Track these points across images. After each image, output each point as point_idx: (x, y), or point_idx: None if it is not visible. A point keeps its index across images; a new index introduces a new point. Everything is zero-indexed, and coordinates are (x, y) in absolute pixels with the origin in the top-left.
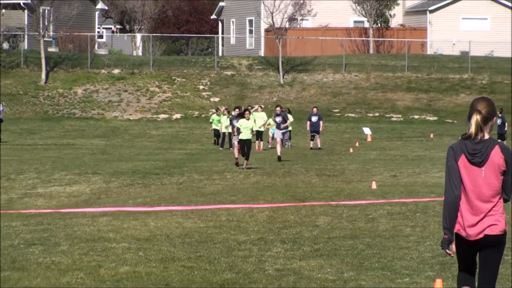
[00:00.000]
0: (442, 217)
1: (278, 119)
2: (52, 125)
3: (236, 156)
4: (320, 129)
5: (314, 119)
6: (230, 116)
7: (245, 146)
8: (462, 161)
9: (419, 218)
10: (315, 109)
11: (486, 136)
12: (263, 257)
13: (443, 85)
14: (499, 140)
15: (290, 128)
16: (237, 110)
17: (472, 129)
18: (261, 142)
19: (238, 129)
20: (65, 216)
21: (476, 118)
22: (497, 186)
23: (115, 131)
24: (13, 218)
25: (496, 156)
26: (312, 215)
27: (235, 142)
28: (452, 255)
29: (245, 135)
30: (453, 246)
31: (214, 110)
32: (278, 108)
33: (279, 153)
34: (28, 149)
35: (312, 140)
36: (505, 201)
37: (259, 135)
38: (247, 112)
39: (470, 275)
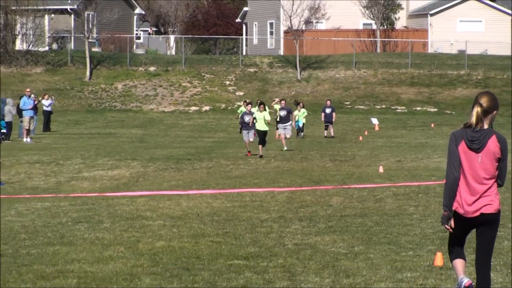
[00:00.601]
0: (443, 195)
1: (283, 112)
2: (96, 116)
3: (248, 150)
4: (333, 119)
5: (328, 110)
6: (242, 112)
7: (261, 135)
8: (462, 147)
9: (421, 198)
10: (328, 102)
11: (485, 126)
12: (283, 233)
13: (443, 80)
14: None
15: (303, 121)
16: (261, 106)
17: (473, 119)
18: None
19: (254, 118)
20: (108, 197)
21: (477, 110)
22: (491, 170)
23: (151, 121)
24: (61, 199)
25: (493, 144)
26: (326, 195)
27: (245, 139)
28: (451, 230)
29: (260, 126)
30: (452, 222)
31: (241, 103)
32: (283, 102)
33: (285, 147)
34: (74, 137)
35: (326, 129)
36: (499, 185)
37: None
38: (261, 106)
39: (461, 248)
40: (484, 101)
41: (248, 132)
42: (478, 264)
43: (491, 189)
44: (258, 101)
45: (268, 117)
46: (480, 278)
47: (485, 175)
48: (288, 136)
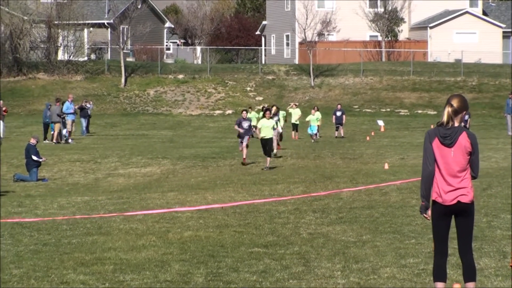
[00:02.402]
0: (420, 188)
1: (276, 118)
2: (130, 119)
3: (244, 157)
4: (343, 121)
5: (338, 113)
6: (238, 119)
7: (266, 145)
8: (436, 143)
9: None
10: (339, 106)
11: (456, 124)
12: (298, 223)
13: (441, 86)
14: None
15: (318, 123)
16: (268, 112)
17: (445, 118)
18: (297, 133)
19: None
20: (141, 191)
21: (448, 110)
22: (463, 163)
23: (180, 124)
24: (99, 193)
25: (464, 139)
26: (337, 189)
27: (244, 143)
28: (429, 218)
29: (266, 133)
30: (429, 212)
31: (260, 108)
32: (274, 108)
33: (275, 150)
34: (111, 138)
35: (337, 130)
36: (473, 178)
37: (295, 127)
38: (267, 112)
39: (442, 245)
40: (454, 102)
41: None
42: (461, 251)
43: (466, 181)
44: (264, 107)
45: (296, 117)
46: (465, 263)
47: (457, 168)
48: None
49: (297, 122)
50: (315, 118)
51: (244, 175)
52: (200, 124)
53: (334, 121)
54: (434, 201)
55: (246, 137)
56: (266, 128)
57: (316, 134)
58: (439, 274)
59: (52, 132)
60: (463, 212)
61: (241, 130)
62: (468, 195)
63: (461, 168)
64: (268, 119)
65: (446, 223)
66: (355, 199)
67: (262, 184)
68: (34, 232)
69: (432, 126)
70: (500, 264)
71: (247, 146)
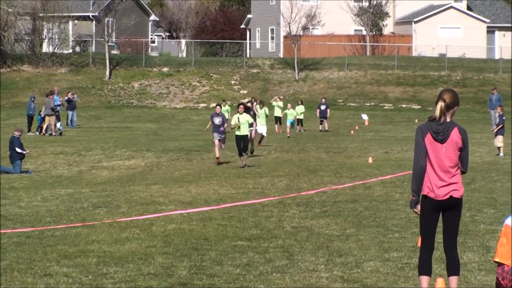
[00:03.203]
0: (411, 182)
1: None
2: (114, 112)
3: (217, 156)
4: (328, 115)
5: (323, 107)
6: (212, 114)
7: (241, 142)
8: (428, 138)
9: (407, 186)
10: (323, 100)
11: (448, 119)
12: (282, 217)
13: (425, 80)
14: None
15: (301, 117)
16: (241, 106)
17: (437, 113)
18: (280, 126)
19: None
20: (124, 184)
21: (440, 105)
22: (455, 159)
23: (164, 117)
24: (83, 186)
25: (455, 135)
26: (321, 183)
27: (215, 140)
28: (418, 213)
29: (243, 130)
30: (419, 207)
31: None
32: (249, 104)
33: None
34: (95, 131)
35: (321, 124)
36: (462, 172)
37: (278, 120)
38: (240, 107)
39: (429, 240)
40: (447, 97)
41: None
42: (447, 246)
43: (457, 176)
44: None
45: (279, 110)
46: (449, 257)
47: (449, 163)
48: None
49: (281, 116)
50: (298, 110)
51: (228, 168)
52: (184, 117)
53: (318, 115)
54: (425, 196)
55: (216, 134)
56: (243, 124)
57: (291, 127)
58: (425, 268)
59: (39, 124)
60: (453, 207)
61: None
62: (460, 190)
63: (452, 164)
64: (241, 113)
65: (436, 217)
66: (339, 193)
67: (246, 177)
68: (17, 224)
69: (416, 121)
70: (484, 258)
71: (220, 143)
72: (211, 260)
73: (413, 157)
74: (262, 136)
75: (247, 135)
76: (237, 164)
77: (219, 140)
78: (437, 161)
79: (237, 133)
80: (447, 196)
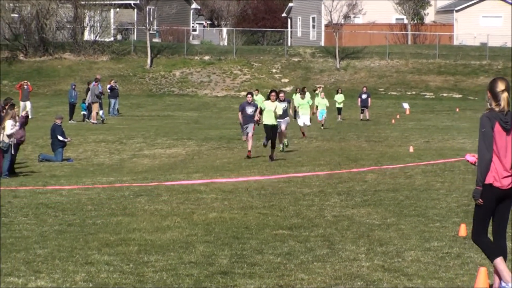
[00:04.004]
0: (478, 173)
1: (283, 105)
2: (156, 100)
3: (249, 149)
4: (369, 104)
5: (364, 96)
6: (241, 104)
7: (271, 132)
8: (497, 128)
9: (447, 175)
10: (364, 88)
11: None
12: (323, 206)
13: (467, 70)
14: None
15: (341, 106)
16: (273, 94)
17: (504, 104)
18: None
19: (261, 111)
20: (166, 172)
21: (506, 95)
22: None
23: (205, 105)
24: (124, 174)
25: None
26: (362, 172)
27: (245, 134)
28: (482, 203)
29: (269, 119)
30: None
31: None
32: (281, 95)
33: (281, 144)
34: (136, 119)
35: (362, 113)
36: None
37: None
38: (272, 94)
39: (486, 228)
40: (506, 87)
41: (247, 127)
42: (497, 234)
43: None
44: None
45: (279, 110)
46: (498, 245)
47: None
48: (283, 126)
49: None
50: (339, 99)
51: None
52: (225, 106)
53: (359, 104)
54: (490, 185)
55: (251, 125)
56: (269, 112)
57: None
58: (496, 250)
59: (83, 112)
60: (511, 197)
61: (243, 117)
62: None
63: None
64: (273, 101)
65: (495, 206)
66: (380, 182)
67: (287, 166)
68: (59, 212)
69: (457, 110)
70: None
71: (252, 136)
72: (252, 249)
73: (478, 147)
74: (307, 126)
75: (277, 125)
76: (278, 154)
77: (251, 131)
78: (503, 151)
79: (266, 122)
80: (511, 186)
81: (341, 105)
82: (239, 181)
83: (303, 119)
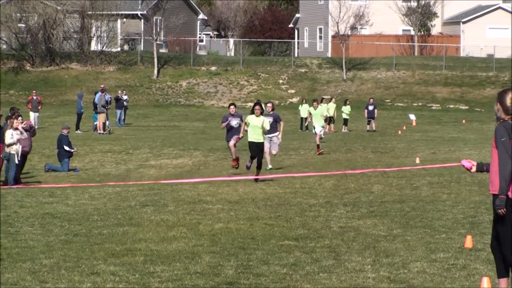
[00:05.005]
0: (501, 182)
1: (269, 119)
2: (162, 110)
3: (234, 157)
4: (375, 115)
5: (370, 107)
6: (224, 115)
7: (257, 151)
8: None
9: (454, 187)
10: (371, 100)
11: None
12: (329, 217)
13: (473, 81)
14: None
15: (347, 117)
16: (257, 107)
17: None
18: (332, 125)
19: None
20: (172, 183)
21: None
22: None
23: (212, 116)
24: (130, 185)
25: None
26: (368, 183)
27: (230, 143)
28: (504, 212)
29: (254, 135)
30: None
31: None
32: (269, 105)
33: (269, 165)
34: (143, 129)
35: (368, 124)
36: None
37: (330, 120)
38: (257, 107)
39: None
40: None
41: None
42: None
43: None
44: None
45: (267, 125)
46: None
47: None
48: (274, 151)
49: (331, 115)
50: (346, 109)
51: (275, 167)
52: None
53: (366, 115)
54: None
55: (235, 137)
56: (255, 128)
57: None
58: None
59: (96, 123)
60: None
61: (226, 126)
62: None
63: None
64: (257, 116)
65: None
66: (386, 193)
67: (293, 177)
68: (65, 222)
69: (463, 121)
70: None
71: (234, 145)
72: (258, 260)
73: (499, 157)
74: (320, 137)
75: (262, 142)
76: (284, 164)
77: (248, 143)
78: None
79: (250, 139)
80: None
81: (348, 116)
82: (246, 192)
83: (317, 129)
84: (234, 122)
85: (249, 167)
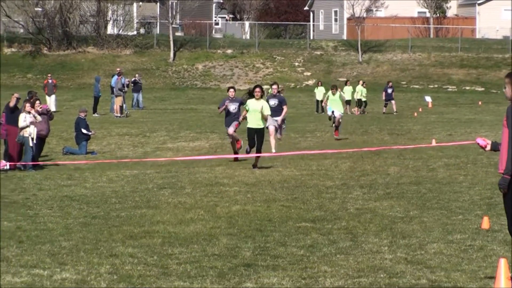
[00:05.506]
0: (509, 163)
1: (273, 101)
2: (179, 93)
3: (236, 140)
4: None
5: (389, 90)
6: (223, 99)
7: (255, 137)
8: None
9: (470, 168)
10: (390, 83)
11: None
12: (346, 198)
13: (489, 63)
14: None
15: (364, 98)
16: (257, 90)
17: None
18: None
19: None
20: (189, 165)
21: None
22: None
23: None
24: (147, 167)
25: None
26: (385, 165)
27: (228, 130)
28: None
29: (254, 121)
30: None
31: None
32: (274, 87)
33: (273, 148)
34: (159, 112)
35: (385, 106)
36: None
37: (348, 103)
38: (257, 90)
39: None
40: None
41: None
42: None
43: None
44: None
45: (266, 109)
46: None
47: None
48: (279, 135)
49: (350, 98)
50: (360, 91)
51: (292, 149)
52: None
53: (384, 97)
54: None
55: (234, 123)
56: (254, 113)
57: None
58: None
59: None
60: None
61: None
62: None
63: None
64: (257, 99)
65: None
66: (403, 174)
67: (310, 159)
68: (83, 205)
69: (479, 103)
70: None
71: (234, 132)
72: (275, 241)
73: (510, 137)
74: (339, 121)
75: (262, 128)
76: (301, 146)
77: (232, 129)
78: None
79: (249, 125)
80: None
81: (365, 98)
82: (263, 174)
83: (337, 114)
84: (232, 107)
85: (249, 152)
